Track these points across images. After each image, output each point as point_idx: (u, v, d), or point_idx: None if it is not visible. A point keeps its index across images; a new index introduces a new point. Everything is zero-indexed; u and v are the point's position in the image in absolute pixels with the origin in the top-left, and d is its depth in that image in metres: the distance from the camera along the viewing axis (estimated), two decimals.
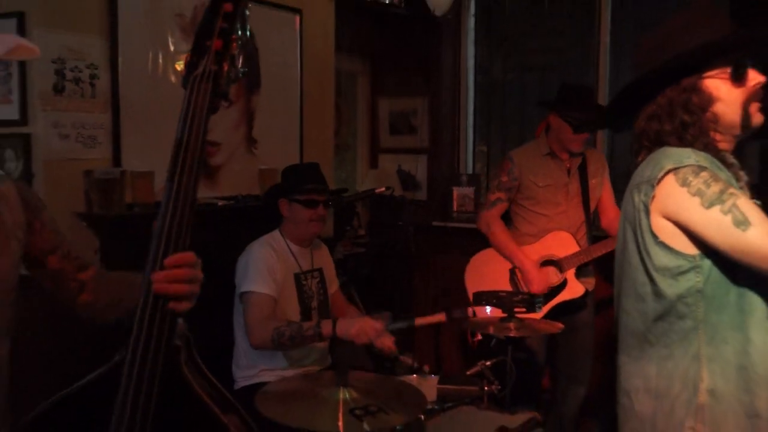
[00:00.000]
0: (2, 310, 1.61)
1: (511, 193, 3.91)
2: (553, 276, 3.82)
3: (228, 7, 1.41)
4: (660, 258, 1.73)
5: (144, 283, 1.36)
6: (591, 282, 3.95)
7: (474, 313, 3.32)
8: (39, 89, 3.05)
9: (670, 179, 1.69)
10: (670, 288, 1.72)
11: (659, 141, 1.81)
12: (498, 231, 3.89)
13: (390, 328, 2.94)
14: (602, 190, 3.99)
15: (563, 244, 3.83)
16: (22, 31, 3.05)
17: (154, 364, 1.35)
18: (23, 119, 3.09)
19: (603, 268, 4.03)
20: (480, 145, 5.56)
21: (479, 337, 3.62)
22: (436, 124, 5.39)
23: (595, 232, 4.02)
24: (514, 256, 3.83)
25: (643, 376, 1.80)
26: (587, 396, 4.08)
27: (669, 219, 1.71)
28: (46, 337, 3.04)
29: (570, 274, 3.83)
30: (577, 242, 3.84)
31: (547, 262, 3.83)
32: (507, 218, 4.01)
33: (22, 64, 3.04)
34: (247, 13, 1.45)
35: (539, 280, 3.76)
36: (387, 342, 2.90)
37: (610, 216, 3.97)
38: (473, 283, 3.93)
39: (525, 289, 3.77)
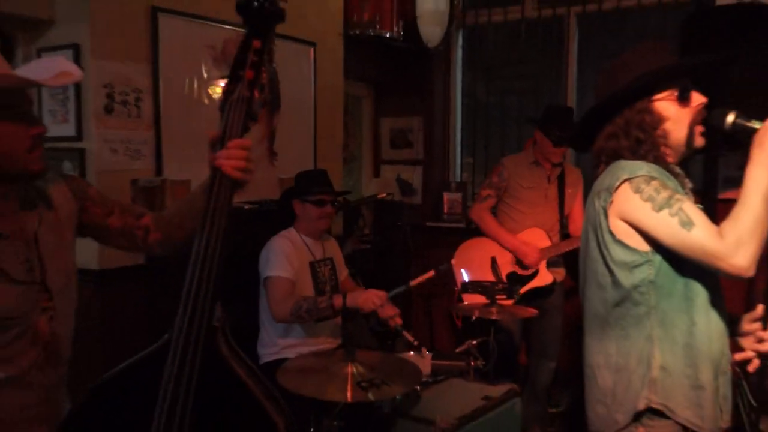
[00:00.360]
0: (68, 293, 1.63)
1: (500, 192, 3.95)
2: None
3: (257, 43, 1.42)
4: (618, 254, 1.73)
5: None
6: (560, 272, 3.97)
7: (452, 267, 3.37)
8: (92, 110, 3.07)
9: (626, 187, 1.70)
10: (626, 279, 1.72)
11: (616, 156, 1.82)
12: (489, 219, 3.93)
13: (391, 294, 2.93)
14: (575, 200, 4.00)
15: (537, 238, 3.86)
16: (77, 60, 3.07)
17: (202, 319, 1.35)
18: (79, 136, 3.10)
19: (572, 262, 4.05)
20: (466, 157, 5.56)
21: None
22: (429, 139, 5.38)
23: (565, 231, 4.04)
24: (503, 238, 3.86)
25: (604, 354, 1.80)
26: (559, 370, 4.09)
27: (625, 221, 1.72)
28: (99, 320, 3.05)
29: (541, 264, 3.84)
30: (550, 239, 3.85)
31: None
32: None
33: (78, 88, 3.06)
34: (274, 47, 1.45)
35: (531, 252, 3.78)
36: (391, 311, 2.90)
37: (578, 224, 3.98)
38: (460, 266, 3.95)
39: (503, 276, 3.79)
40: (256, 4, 1.40)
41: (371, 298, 2.83)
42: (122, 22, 3.16)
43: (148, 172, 3.29)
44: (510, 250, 3.85)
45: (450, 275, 3.71)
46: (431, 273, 3.15)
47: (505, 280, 3.79)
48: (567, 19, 4.87)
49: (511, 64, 5.27)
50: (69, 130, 3.12)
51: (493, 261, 3.85)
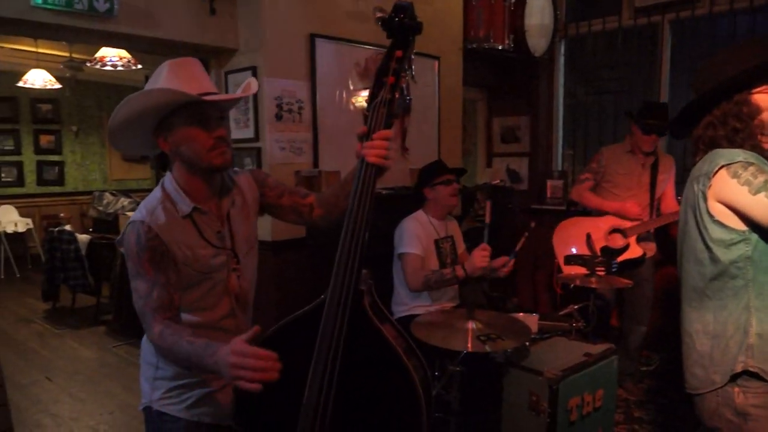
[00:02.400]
0: (251, 258, 1.70)
1: (597, 176, 3.75)
2: (619, 240, 3.61)
3: (399, 53, 1.41)
4: (716, 232, 1.58)
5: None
6: (651, 247, 3.72)
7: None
8: (266, 118, 3.20)
9: (723, 172, 1.54)
10: (724, 255, 1.57)
11: (713, 144, 1.64)
12: (589, 195, 3.74)
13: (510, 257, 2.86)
14: (667, 185, 3.73)
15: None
16: (255, 78, 3.21)
17: (350, 283, 1.35)
18: (256, 137, 3.25)
19: (661, 238, 3.81)
20: (567, 149, 5.33)
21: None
22: (534, 135, 5.21)
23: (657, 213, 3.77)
24: (606, 205, 3.66)
25: (702, 322, 1.65)
26: (650, 334, 3.86)
27: (722, 203, 1.56)
28: (273, 280, 3.21)
29: (632, 240, 3.61)
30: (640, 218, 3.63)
31: (615, 230, 3.63)
32: None
33: (255, 100, 3.20)
34: (413, 57, 1.44)
35: (631, 206, 3.58)
36: (498, 262, 2.81)
37: (668, 203, 3.73)
38: (559, 243, 3.78)
39: (597, 250, 3.61)
40: (397, 20, 1.39)
41: (478, 255, 2.74)
42: (288, 48, 3.28)
43: (308, 165, 3.40)
44: (613, 213, 3.64)
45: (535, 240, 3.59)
46: (525, 234, 3.04)
47: (599, 253, 3.61)
48: (661, 25, 4.51)
49: (608, 68, 4.96)
50: (249, 133, 3.28)
51: (588, 237, 3.67)
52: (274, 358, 1.23)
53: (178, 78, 1.48)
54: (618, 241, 3.62)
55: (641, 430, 3.31)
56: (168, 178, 1.58)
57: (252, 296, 1.73)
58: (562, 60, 5.19)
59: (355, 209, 1.40)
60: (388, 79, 1.40)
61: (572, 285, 3.01)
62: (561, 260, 3.66)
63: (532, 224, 3.09)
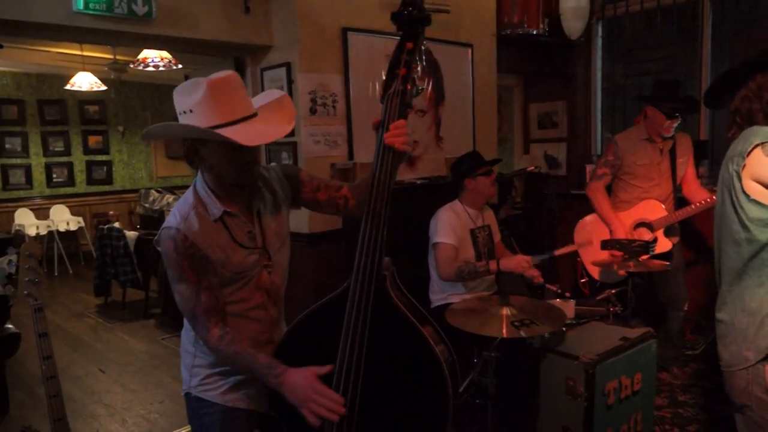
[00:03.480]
0: (282, 253, 1.75)
1: (615, 170, 3.56)
2: (645, 235, 3.48)
3: (409, 45, 1.45)
4: (753, 211, 1.57)
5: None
6: (676, 239, 3.60)
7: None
8: (301, 112, 3.27)
9: (758, 151, 1.53)
10: (762, 234, 1.56)
11: (749, 118, 1.63)
12: (601, 199, 3.56)
13: (538, 258, 2.88)
14: (687, 167, 3.56)
15: (653, 210, 3.48)
16: (289, 74, 3.29)
17: (372, 269, 1.40)
18: (292, 132, 3.32)
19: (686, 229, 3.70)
20: (606, 133, 5.25)
21: (585, 279, 3.57)
22: (572, 119, 5.16)
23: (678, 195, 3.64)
24: (610, 220, 3.50)
25: (740, 300, 1.65)
26: (694, 319, 3.79)
27: (758, 181, 1.55)
28: (310, 270, 3.29)
29: (660, 233, 3.48)
30: (665, 208, 3.49)
31: (641, 224, 3.51)
32: (609, 188, 3.68)
33: (290, 96, 3.27)
34: (424, 48, 1.47)
35: (618, 234, 3.45)
36: (535, 272, 2.83)
37: (691, 187, 3.56)
38: (580, 241, 3.67)
39: None
40: (406, 13, 1.43)
41: (521, 263, 2.80)
42: (321, 43, 3.33)
43: (343, 157, 3.46)
44: (606, 223, 3.53)
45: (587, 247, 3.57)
46: (574, 247, 3.05)
47: None
48: (701, 2, 4.38)
49: (647, 49, 4.86)
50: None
51: (611, 234, 3.56)
52: (342, 403, 1.42)
53: (214, 101, 1.45)
54: (644, 236, 3.50)
55: (686, 414, 3.28)
56: (200, 181, 1.63)
57: (283, 290, 1.78)
58: (599, 42, 5.11)
59: (375, 195, 1.44)
60: (400, 70, 1.44)
61: (598, 283, 2.97)
62: (585, 259, 3.60)
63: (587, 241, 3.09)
